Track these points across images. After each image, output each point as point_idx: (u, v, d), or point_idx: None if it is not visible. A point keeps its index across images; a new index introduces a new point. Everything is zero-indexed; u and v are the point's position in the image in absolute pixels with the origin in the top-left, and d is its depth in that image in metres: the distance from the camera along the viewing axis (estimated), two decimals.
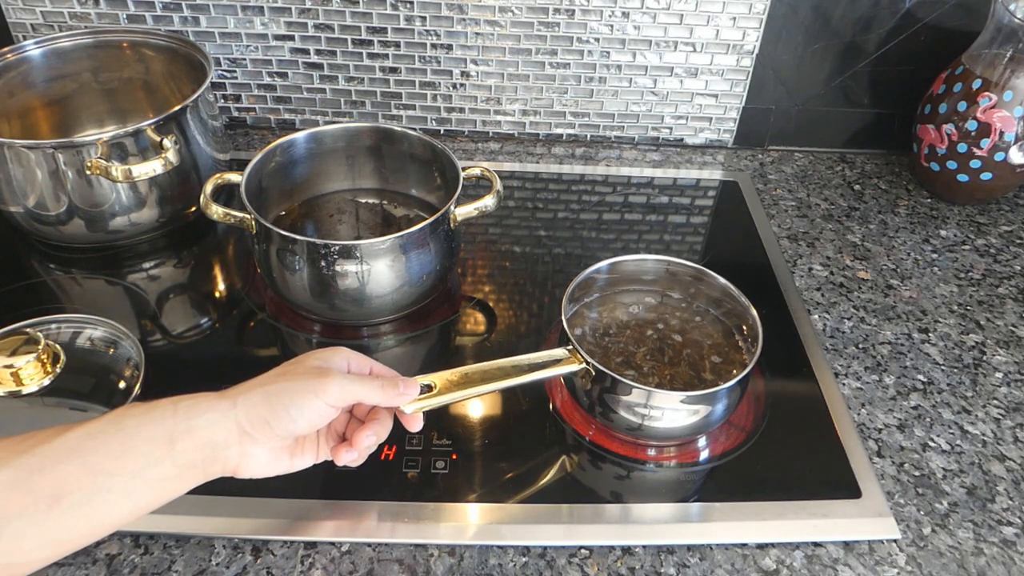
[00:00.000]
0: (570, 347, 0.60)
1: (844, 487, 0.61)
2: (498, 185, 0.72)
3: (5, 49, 0.81)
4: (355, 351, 0.52)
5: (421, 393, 0.54)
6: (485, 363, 0.58)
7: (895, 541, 0.58)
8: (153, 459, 0.42)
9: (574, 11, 0.91)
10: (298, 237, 0.66)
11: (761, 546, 0.57)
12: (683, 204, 0.94)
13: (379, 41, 0.93)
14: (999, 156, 0.86)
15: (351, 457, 0.50)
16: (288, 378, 0.47)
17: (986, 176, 0.88)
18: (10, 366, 0.61)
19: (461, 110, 1.00)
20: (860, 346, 0.75)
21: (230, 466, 0.46)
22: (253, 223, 0.68)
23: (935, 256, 0.87)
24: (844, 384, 0.71)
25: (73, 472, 0.40)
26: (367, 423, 0.52)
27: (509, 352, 0.61)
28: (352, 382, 0.48)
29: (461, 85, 0.97)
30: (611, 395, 0.59)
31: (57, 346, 0.64)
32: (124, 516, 0.42)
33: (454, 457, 0.61)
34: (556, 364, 0.59)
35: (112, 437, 0.42)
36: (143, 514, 0.43)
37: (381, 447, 0.61)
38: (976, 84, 0.85)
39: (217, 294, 0.79)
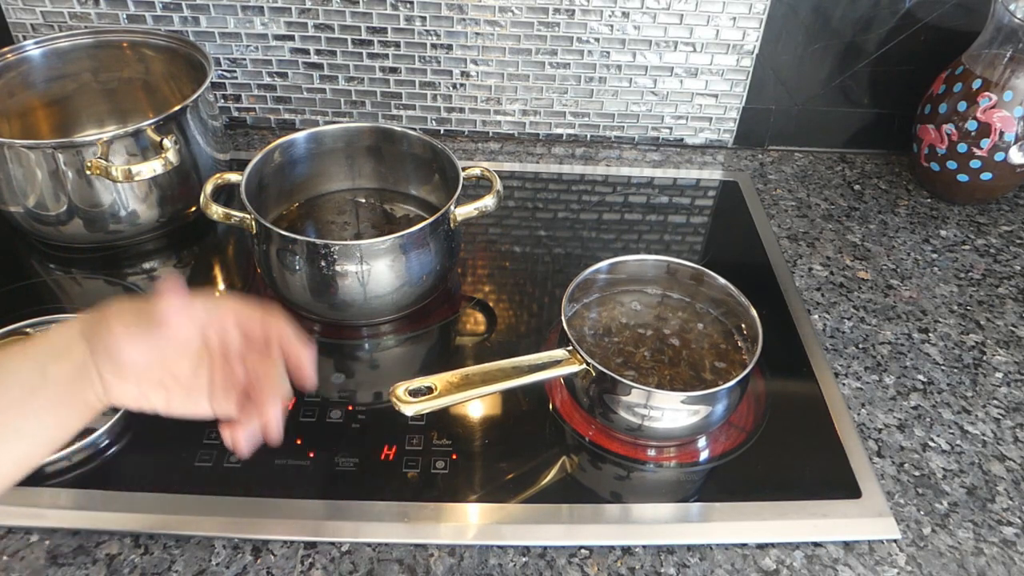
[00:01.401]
0: (570, 348, 0.60)
1: (844, 487, 0.61)
2: (498, 185, 0.72)
3: (5, 49, 0.81)
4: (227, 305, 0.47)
5: (422, 395, 0.54)
6: (485, 364, 0.58)
7: (895, 541, 0.58)
8: (29, 387, 0.42)
9: (574, 11, 0.91)
10: (298, 237, 0.66)
11: (761, 546, 0.57)
12: (683, 204, 0.94)
13: (379, 41, 0.93)
14: (999, 156, 0.86)
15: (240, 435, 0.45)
16: (126, 309, 0.45)
17: (986, 176, 0.88)
18: None
19: (461, 110, 1.00)
20: (860, 346, 0.75)
21: (97, 388, 0.43)
22: (253, 223, 0.68)
23: (935, 256, 0.87)
24: (844, 384, 0.71)
25: None
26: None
27: (509, 352, 0.61)
28: (188, 302, 0.44)
29: (461, 85, 0.97)
30: (611, 395, 0.59)
31: None
32: (16, 459, 0.42)
33: (454, 457, 0.61)
34: (556, 365, 0.59)
35: None
36: (36, 458, 0.43)
37: (370, 445, 0.61)
38: (976, 84, 0.85)
39: (217, 294, 0.79)
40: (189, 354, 0.45)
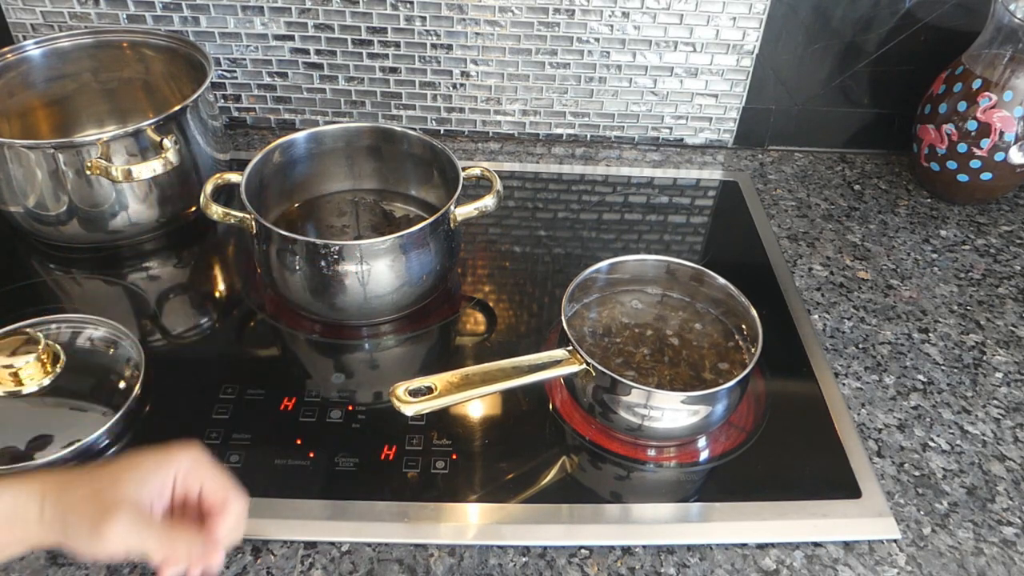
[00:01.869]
0: (570, 348, 0.60)
1: (844, 487, 0.61)
2: (498, 185, 0.72)
3: (5, 49, 0.81)
4: (204, 457, 0.46)
5: (422, 395, 0.54)
6: (485, 364, 0.58)
7: (895, 541, 0.58)
8: None
9: (574, 11, 0.91)
10: (298, 237, 0.66)
11: (761, 546, 0.57)
12: (683, 204, 0.94)
13: (379, 41, 0.93)
14: (999, 156, 0.86)
15: None
16: (92, 496, 0.43)
17: (986, 176, 0.88)
18: (10, 366, 0.61)
19: (461, 110, 1.00)
20: (860, 346, 0.75)
21: (43, 546, 0.43)
22: (253, 223, 0.68)
23: (935, 256, 0.87)
24: (844, 384, 0.71)
25: None
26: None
27: (509, 352, 0.61)
28: (134, 532, 0.42)
29: (461, 85, 0.97)
30: (611, 395, 0.59)
31: (57, 346, 0.64)
32: None
33: (454, 457, 0.61)
34: (556, 365, 0.59)
35: None
36: None
37: (370, 445, 0.61)
38: (976, 84, 0.85)
39: (217, 294, 0.79)
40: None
